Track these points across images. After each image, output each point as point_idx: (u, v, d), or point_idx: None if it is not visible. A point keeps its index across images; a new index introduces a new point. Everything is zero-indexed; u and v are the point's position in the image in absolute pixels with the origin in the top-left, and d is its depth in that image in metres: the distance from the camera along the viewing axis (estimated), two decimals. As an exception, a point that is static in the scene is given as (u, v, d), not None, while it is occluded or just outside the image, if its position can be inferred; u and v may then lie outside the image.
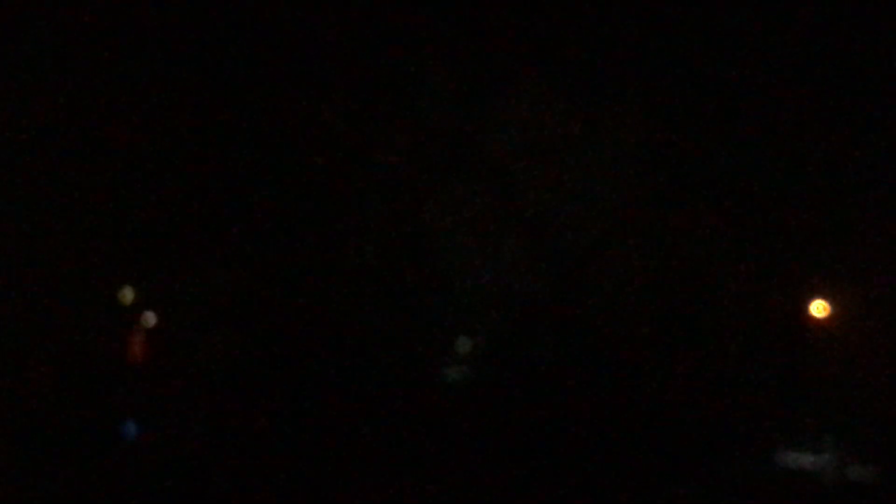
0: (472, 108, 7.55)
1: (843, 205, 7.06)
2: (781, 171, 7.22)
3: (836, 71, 7.08)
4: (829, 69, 7.10)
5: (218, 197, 7.32)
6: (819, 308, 6.98)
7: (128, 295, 7.20)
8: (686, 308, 7.20)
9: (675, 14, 7.29)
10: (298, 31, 7.34)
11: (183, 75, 7.18)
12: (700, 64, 7.33)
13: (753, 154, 7.27)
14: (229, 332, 7.27)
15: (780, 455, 6.77)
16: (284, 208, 7.40)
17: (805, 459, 6.74)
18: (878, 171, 6.99)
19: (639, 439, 6.78)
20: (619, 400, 6.95)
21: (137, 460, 6.84)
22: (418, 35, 7.43)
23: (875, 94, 7.02)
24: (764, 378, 6.97)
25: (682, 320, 7.18)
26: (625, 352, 7.14)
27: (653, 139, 7.41)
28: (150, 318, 7.23)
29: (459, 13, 7.36)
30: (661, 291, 7.25)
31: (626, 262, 7.35)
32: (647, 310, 7.23)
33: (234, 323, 7.29)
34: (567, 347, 7.25)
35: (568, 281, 7.42)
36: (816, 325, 7.00)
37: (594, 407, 6.95)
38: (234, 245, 7.36)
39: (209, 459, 6.83)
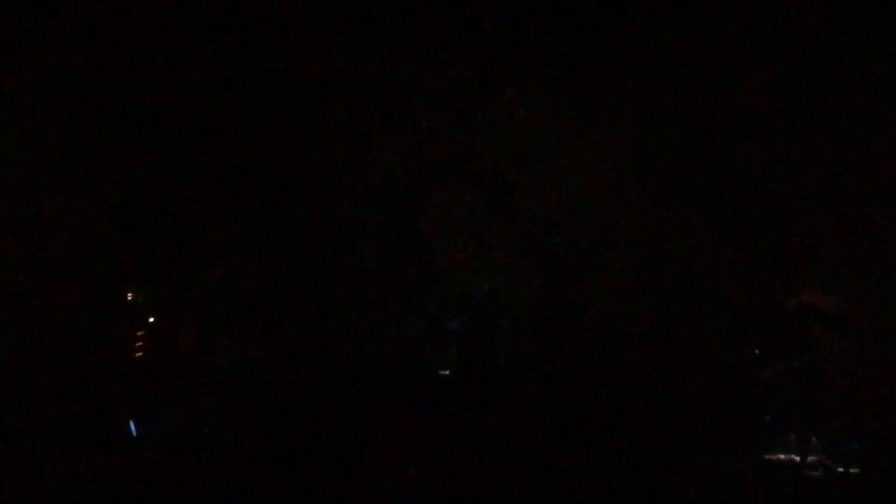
0: (468, 113, 7.59)
1: (839, 204, 7.08)
2: (778, 173, 7.25)
3: (833, 71, 7.10)
4: (823, 70, 7.13)
5: (217, 199, 7.34)
6: (814, 307, 7.00)
7: (128, 295, 7.21)
8: (681, 309, 7.23)
9: (669, 17, 7.32)
10: (297, 34, 7.36)
11: (181, 76, 7.20)
12: (693, 67, 7.36)
13: (748, 156, 7.30)
14: (226, 333, 7.29)
15: (775, 454, 6.79)
16: (282, 211, 7.42)
17: (799, 458, 6.76)
18: (878, 171, 7.01)
19: (634, 439, 6.80)
20: (616, 400, 6.98)
21: (139, 461, 6.85)
22: (415, 39, 7.46)
23: (874, 94, 7.04)
24: (759, 377, 6.99)
25: (677, 321, 7.20)
26: (620, 353, 7.16)
27: (647, 142, 7.44)
28: (148, 319, 7.24)
29: (455, 17, 7.39)
30: (657, 293, 7.28)
31: (621, 265, 7.38)
32: (643, 311, 7.25)
33: (232, 323, 7.31)
34: (562, 348, 7.27)
35: (563, 283, 7.44)
36: (813, 325, 7.03)
37: (590, 407, 6.97)
38: (231, 247, 7.38)
39: (208, 458, 6.84)
